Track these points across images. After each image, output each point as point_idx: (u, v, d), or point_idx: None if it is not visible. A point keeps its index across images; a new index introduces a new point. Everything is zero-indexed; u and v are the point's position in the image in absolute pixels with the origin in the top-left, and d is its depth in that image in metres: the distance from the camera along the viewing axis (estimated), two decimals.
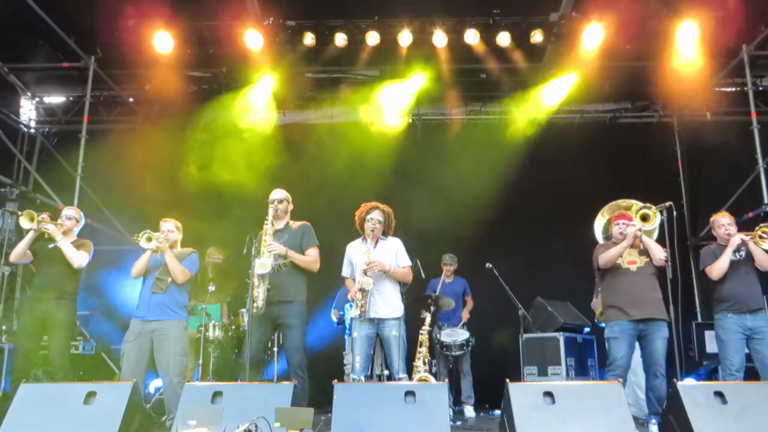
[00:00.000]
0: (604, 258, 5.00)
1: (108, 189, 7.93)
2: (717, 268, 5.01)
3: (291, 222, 5.13)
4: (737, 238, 4.99)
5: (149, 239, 4.92)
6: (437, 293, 6.47)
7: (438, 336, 6.63)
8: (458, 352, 6.55)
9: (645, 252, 5.04)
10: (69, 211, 5.39)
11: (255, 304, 4.69)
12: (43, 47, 7.73)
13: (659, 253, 4.95)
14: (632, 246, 5.04)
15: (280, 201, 5.04)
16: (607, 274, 5.09)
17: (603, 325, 6.37)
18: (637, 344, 5.03)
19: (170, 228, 5.14)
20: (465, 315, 7.01)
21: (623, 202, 5.68)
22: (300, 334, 4.89)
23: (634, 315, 4.87)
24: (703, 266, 5.16)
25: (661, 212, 5.21)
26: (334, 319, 7.07)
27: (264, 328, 4.92)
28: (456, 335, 6.60)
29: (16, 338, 5.38)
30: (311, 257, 5.00)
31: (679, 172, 8.42)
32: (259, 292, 4.69)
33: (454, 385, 6.77)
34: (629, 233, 4.98)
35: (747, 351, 4.97)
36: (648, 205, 5.14)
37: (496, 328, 7.16)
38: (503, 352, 6.96)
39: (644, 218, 5.11)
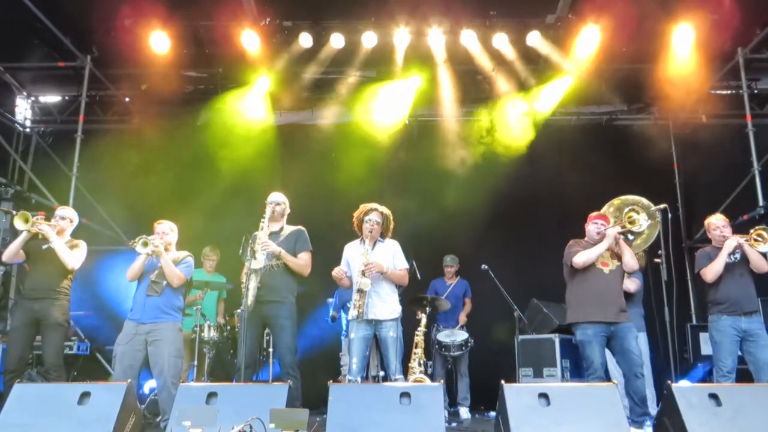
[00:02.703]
0: (581, 258, 4.93)
1: (103, 189, 7.90)
2: (712, 271, 5.02)
3: (286, 226, 5.18)
4: (732, 241, 4.99)
5: (145, 244, 4.90)
6: (444, 295, 6.49)
7: (436, 336, 6.64)
8: (457, 353, 6.55)
9: (617, 256, 5.02)
10: (63, 211, 5.36)
11: (245, 301, 4.72)
12: (39, 46, 7.70)
13: (631, 262, 4.93)
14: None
15: (278, 203, 5.09)
16: (578, 272, 5.02)
17: None
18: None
19: (165, 230, 5.13)
20: (462, 318, 7.01)
21: (630, 198, 5.55)
22: (291, 335, 4.92)
23: (601, 317, 4.83)
24: (698, 269, 5.16)
25: (657, 214, 5.20)
26: (332, 317, 7.03)
27: (256, 328, 4.94)
28: (454, 336, 6.61)
29: (8, 338, 5.34)
30: (303, 261, 5.05)
31: (675, 175, 8.43)
32: (250, 290, 4.70)
33: (451, 385, 6.78)
34: (609, 234, 4.95)
35: (740, 353, 4.98)
36: (636, 209, 5.09)
37: (491, 330, 7.16)
38: (499, 353, 6.96)
39: (631, 221, 5.07)
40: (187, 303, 5.44)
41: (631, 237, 5.12)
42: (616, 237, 4.95)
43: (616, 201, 5.40)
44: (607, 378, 5.09)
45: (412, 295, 6.06)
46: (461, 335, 6.61)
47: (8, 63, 7.88)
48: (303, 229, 5.19)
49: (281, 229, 5.13)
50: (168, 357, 4.83)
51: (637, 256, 5.17)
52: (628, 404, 4.73)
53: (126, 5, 7.01)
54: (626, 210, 5.11)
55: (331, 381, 3.94)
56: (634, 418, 4.65)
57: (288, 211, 5.22)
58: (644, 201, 5.21)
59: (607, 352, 5.01)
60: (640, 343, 5.31)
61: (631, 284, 5.84)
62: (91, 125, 8.14)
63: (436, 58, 7.68)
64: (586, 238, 5.18)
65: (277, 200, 5.11)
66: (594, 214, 5.24)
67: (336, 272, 5.02)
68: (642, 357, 4.96)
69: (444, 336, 6.63)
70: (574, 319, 5.01)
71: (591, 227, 5.14)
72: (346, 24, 7.36)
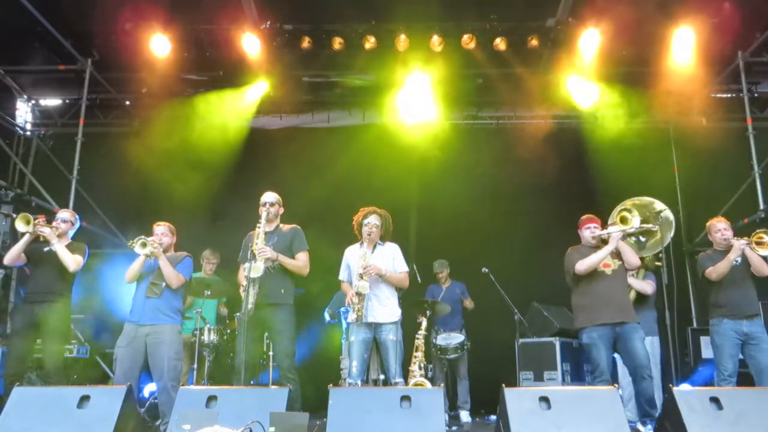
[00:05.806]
0: (584, 264, 4.94)
1: (103, 192, 7.90)
2: (718, 271, 5.01)
3: (281, 225, 5.14)
4: (741, 243, 4.98)
5: (144, 245, 4.90)
6: (438, 299, 6.48)
7: (434, 340, 6.63)
8: (453, 356, 6.56)
9: (618, 254, 5.00)
10: (64, 214, 5.37)
11: (245, 307, 4.69)
12: (40, 50, 7.71)
13: (633, 259, 4.93)
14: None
15: (272, 204, 5.05)
16: (582, 278, 5.02)
17: None
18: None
19: (164, 232, 5.12)
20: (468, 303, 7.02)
21: (638, 199, 5.42)
22: (289, 339, 4.90)
23: (607, 319, 4.83)
24: (702, 269, 5.16)
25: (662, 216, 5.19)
26: (327, 317, 7.00)
27: (256, 331, 4.94)
28: (451, 339, 6.61)
29: (9, 341, 5.34)
30: (301, 262, 5.01)
31: (675, 178, 8.43)
32: (250, 295, 4.69)
33: (450, 389, 6.78)
34: (614, 237, 4.93)
35: (741, 357, 4.97)
36: (628, 207, 5.08)
37: (492, 333, 7.14)
38: (499, 356, 6.94)
39: (623, 220, 5.06)
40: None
41: (643, 239, 5.09)
42: (619, 238, 4.93)
43: (628, 203, 5.36)
44: (614, 381, 5.08)
45: (413, 299, 6.05)
46: (457, 338, 6.61)
47: (9, 66, 7.91)
48: (299, 228, 5.14)
49: (276, 228, 5.09)
50: (168, 360, 4.82)
51: (646, 258, 5.13)
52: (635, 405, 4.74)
53: (127, 8, 7.02)
54: (619, 209, 5.09)
55: (331, 384, 3.93)
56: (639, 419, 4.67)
57: (282, 210, 5.18)
58: (656, 203, 5.17)
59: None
60: (653, 345, 5.30)
61: (648, 286, 5.85)
62: (92, 128, 8.15)
63: (437, 62, 7.67)
64: (582, 243, 5.18)
65: (270, 200, 5.06)
66: (584, 218, 5.23)
67: (347, 300, 5.01)
68: (651, 359, 4.92)
69: (441, 339, 6.64)
70: (581, 324, 5.02)
71: (585, 233, 5.14)
72: (347, 27, 7.37)
